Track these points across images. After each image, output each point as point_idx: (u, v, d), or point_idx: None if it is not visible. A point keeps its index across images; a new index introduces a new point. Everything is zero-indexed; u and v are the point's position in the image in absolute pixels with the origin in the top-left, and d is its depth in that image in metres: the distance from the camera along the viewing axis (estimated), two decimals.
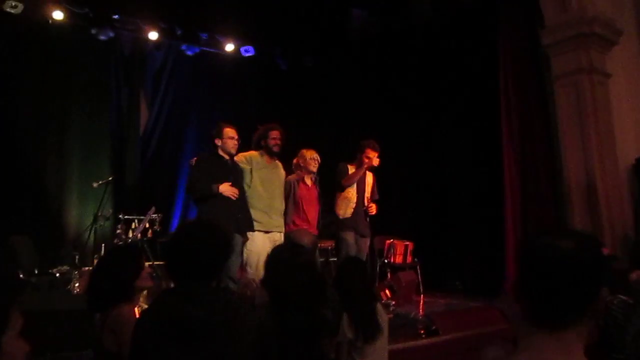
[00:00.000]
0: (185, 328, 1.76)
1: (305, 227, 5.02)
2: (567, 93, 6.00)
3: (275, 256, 2.40)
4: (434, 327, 4.82)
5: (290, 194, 5.08)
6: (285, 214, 4.99)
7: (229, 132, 4.74)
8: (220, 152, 4.73)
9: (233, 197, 4.51)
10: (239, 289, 4.54)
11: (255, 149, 5.02)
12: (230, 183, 4.55)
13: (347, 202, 5.24)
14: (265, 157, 4.97)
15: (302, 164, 5.24)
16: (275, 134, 4.98)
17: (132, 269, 2.46)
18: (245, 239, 4.64)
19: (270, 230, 4.76)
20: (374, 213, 5.37)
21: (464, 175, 7.28)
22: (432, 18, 7.39)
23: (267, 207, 4.81)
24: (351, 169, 5.36)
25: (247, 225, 4.68)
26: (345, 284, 2.95)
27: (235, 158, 4.81)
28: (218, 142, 4.72)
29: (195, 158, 4.85)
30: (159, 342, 1.76)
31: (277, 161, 5.09)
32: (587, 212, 5.80)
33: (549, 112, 6.29)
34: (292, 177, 5.20)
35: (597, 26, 5.86)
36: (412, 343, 4.44)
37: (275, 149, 4.95)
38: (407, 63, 7.88)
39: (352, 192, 5.29)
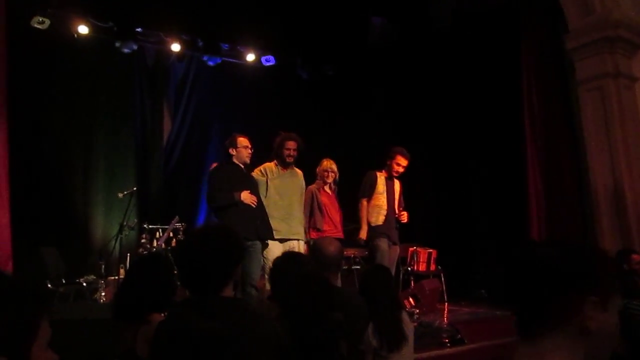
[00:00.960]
0: (198, 341, 1.73)
1: (333, 231, 5.17)
2: (593, 97, 5.91)
3: (278, 269, 2.38)
4: (459, 336, 4.76)
5: (313, 202, 5.14)
6: (309, 221, 5.08)
7: (243, 141, 4.85)
8: (235, 161, 4.81)
9: (253, 205, 4.58)
10: (259, 296, 4.60)
11: (273, 159, 5.08)
12: (249, 191, 4.61)
13: (379, 210, 5.30)
14: (280, 167, 5.02)
15: (318, 173, 5.41)
16: (290, 144, 5.04)
17: (167, 279, 2.46)
18: (265, 245, 4.69)
19: (288, 239, 4.80)
20: (405, 221, 5.41)
21: (487, 181, 7.21)
22: (453, 24, 7.36)
23: (286, 215, 4.87)
24: (380, 177, 5.36)
25: (267, 231, 4.74)
26: (370, 292, 2.93)
27: (253, 173, 4.89)
28: (232, 152, 4.83)
29: (214, 164, 4.93)
30: (173, 355, 1.75)
31: (294, 170, 5.15)
32: (614, 217, 5.69)
33: (573, 116, 6.21)
34: (312, 186, 5.34)
35: (623, 30, 5.78)
36: (436, 352, 4.39)
37: (289, 159, 5.01)
38: (427, 70, 7.86)
39: (382, 200, 5.34)
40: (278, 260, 2.47)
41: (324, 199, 5.31)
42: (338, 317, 2.31)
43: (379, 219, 5.28)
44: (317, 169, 5.52)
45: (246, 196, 4.58)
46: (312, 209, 5.20)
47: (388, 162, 5.40)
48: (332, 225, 5.27)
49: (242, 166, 4.85)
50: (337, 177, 5.51)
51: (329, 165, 5.47)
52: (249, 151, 4.85)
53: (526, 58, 6.50)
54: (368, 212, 5.32)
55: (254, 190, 4.75)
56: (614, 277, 1.18)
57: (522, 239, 6.30)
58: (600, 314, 1.08)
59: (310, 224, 5.24)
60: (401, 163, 5.32)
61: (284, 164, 5.03)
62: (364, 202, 5.33)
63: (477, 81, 7.23)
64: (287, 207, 4.89)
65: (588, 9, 5.92)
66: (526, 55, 6.51)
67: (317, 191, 5.32)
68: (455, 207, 7.53)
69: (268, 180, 4.95)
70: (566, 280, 1.09)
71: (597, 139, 5.87)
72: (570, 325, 1.08)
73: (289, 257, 2.63)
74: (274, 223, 4.79)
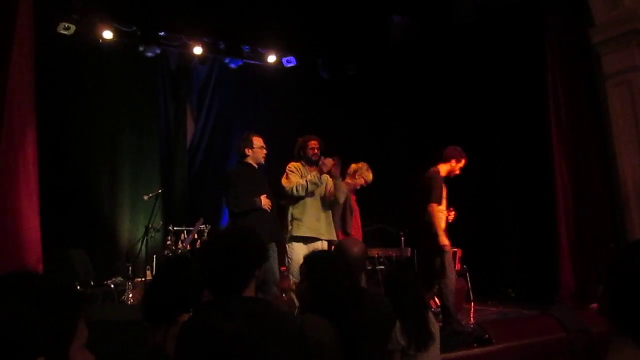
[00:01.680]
0: (221, 341, 1.74)
1: (357, 235, 5.11)
2: (620, 92, 5.79)
3: (315, 266, 2.41)
4: (486, 336, 4.70)
5: (346, 204, 5.17)
6: (340, 221, 5.15)
7: (259, 141, 4.89)
8: (250, 162, 4.82)
9: (269, 209, 4.63)
10: (277, 293, 4.64)
11: (296, 160, 5.06)
12: (265, 195, 4.66)
13: (442, 214, 5.16)
14: (308, 166, 5.01)
15: (359, 176, 5.42)
16: (313, 143, 5.02)
17: (195, 279, 2.48)
18: (277, 246, 4.75)
19: (317, 238, 4.79)
20: (451, 220, 5.30)
21: (513, 179, 7.11)
22: (476, 20, 7.27)
23: (317, 214, 4.85)
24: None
25: (279, 232, 4.81)
26: (397, 291, 2.92)
27: (287, 169, 4.90)
28: (248, 152, 4.85)
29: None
30: (197, 356, 1.76)
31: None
32: None
33: (601, 112, 6.08)
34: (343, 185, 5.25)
35: None
36: (463, 352, 4.33)
37: (314, 157, 4.96)
38: (450, 68, 7.78)
39: (444, 203, 5.23)
40: (316, 255, 2.49)
41: (353, 202, 5.33)
42: (362, 319, 2.32)
43: (443, 224, 5.11)
44: (352, 169, 5.51)
45: (265, 201, 4.64)
46: (344, 211, 5.20)
47: (452, 163, 5.25)
48: (357, 228, 5.30)
49: (256, 166, 4.86)
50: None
51: (366, 171, 5.49)
52: (265, 151, 4.88)
53: (551, 53, 6.39)
54: (434, 216, 5.08)
55: (268, 192, 4.78)
56: None
57: (551, 239, 6.19)
58: None
59: (342, 226, 5.24)
60: (463, 165, 5.21)
61: (310, 163, 4.99)
62: (436, 207, 5.06)
63: (501, 78, 7.13)
64: (318, 206, 4.88)
65: (615, 2, 5.79)
66: (551, 50, 6.40)
67: (349, 193, 5.29)
68: (481, 205, 7.44)
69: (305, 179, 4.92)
70: None
71: (626, 135, 5.75)
72: None
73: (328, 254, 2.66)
74: (306, 221, 4.78)
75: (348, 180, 5.44)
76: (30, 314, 0.88)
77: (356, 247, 2.84)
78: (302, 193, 4.73)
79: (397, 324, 2.81)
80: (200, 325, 1.84)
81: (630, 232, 5.66)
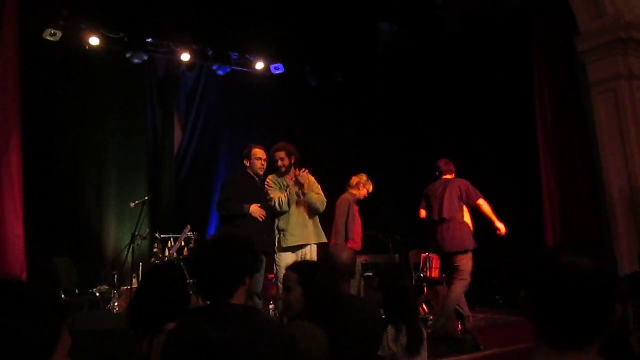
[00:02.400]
0: (208, 349, 1.72)
1: (358, 244, 5.40)
2: (606, 100, 5.86)
3: (309, 269, 2.41)
4: (475, 343, 4.72)
5: (349, 212, 5.39)
6: (344, 231, 5.33)
7: (257, 153, 4.92)
8: (250, 172, 4.86)
9: (261, 219, 4.60)
10: (263, 306, 4.64)
11: (272, 172, 5.11)
12: (260, 205, 4.64)
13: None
14: (284, 177, 5.02)
15: (363, 187, 5.66)
16: (278, 154, 5.00)
17: (180, 288, 2.46)
18: (269, 257, 4.74)
19: (303, 245, 4.80)
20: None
21: (500, 186, 7.14)
22: (463, 29, 7.34)
23: (303, 221, 4.85)
24: None
25: (272, 246, 4.81)
26: (391, 298, 2.92)
27: (268, 181, 4.93)
28: (247, 163, 4.92)
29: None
30: None
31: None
32: (631, 220, 5.62)
33: (587, 119, 6.15)
34: (348, 196, 5.59)
35: (635, 31, 5.73)
36: (452, 359, 4.34)
37: (282, 169, 4.98)
38: (438, 76, 7.84)
39: None
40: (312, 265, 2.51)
41: (356, 212, 5.51)
42: (343, 326, 2.31)
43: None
44: (354, 182, 5.69)
45: (255, 209, 4.63)
46: (348, 219, 5.34)
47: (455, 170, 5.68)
48: (359, 235, 5.47)
49: (257, 178, 4.87)
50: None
51: (368, 182, 5.74)
52: (263, 162, 4.89)
53: (537, 62, 6.46)
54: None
55: (265, 203, 4.76)
56: None
57: (539, 244, 6.22)
58: None
59: (345, 234, 5.37)
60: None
61: (280, 175, 5.02)
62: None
63: (488, 86, 7.19)
64: (303, 213, 4.88)
65: (599, 11, 5.88)
66: (537, 58, 6.47)
67: (353, 203, 5.51)
68: (469, 212, 7.46)
69: (281, 190, 4.96)
70: (608, 291, 1.14)
71: (611, 142, 5.81)
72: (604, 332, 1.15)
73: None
74: (293, 230, 4.79)
75: (352, 191, 5.65)
76: (13, 323, 0.87)
77: (345, 254, 2.86)
78: (285, 208, 4.78)
79: (390, 330, 2.81)
80: (188, 332, 1.82)
81: (616, 238, 5.72)
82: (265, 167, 4.91)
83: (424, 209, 5.75)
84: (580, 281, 1.13)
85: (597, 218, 5.97)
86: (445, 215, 5.32)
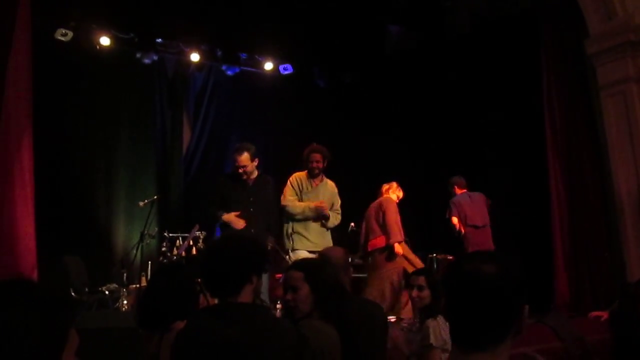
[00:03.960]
0: (219, 349, 1.75)
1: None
2: (615, 103, 5.83)
3: (315, 268, 2.44)
4: None
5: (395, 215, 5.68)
6: (399, 227, 5.61)
7: (234, 157, 4.92)
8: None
9: (237, 227, 4.64)
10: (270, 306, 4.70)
11: (302, 170, 5.26)
12: (238, 212, 4.69)
13: None
14: (312, 179, 5.18)
15: (392, 193, 6.01)
16: (315, 156, 5.10)
17: (189, 287, 2.49)
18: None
19: (317, 252, 4.80)
20: None
21: (508, 189, 7.14)
22: (471, 31, 7.33)
23: (321, 232, 4.95)
24: None
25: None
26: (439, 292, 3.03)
27: (289, 181, 4.97)
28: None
29: None
30: None
31: (325, 181, 5.27)
32: (639, 224, 5.59)
33: (596, 121, 6.12)
34: (394, 198, 5.93)
35: None
36: None
37: (316, 171, 5.11)
38: (446, 77, 7.83)
39: None
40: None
41: None
42: (350, 320, 2.34)
43: None
44: (385, 188, 6.06)
45: (230, 219, 4.66)
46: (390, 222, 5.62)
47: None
48: None
49: (246, 179, 4.87)
50: None
51: (397, 188, 6.10)
52: (238, 169, 4.85)
53: (546, 64, 6.44)
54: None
55: (253, 204, 4.75)
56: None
57: (547, 248, 6.21)
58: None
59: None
60: None
61: (312, 175, 5.15)
62: None
63: (496, 88, 7.17)
64: (319, 225, 5.02)
65: (609, 14, 5.85)
66: (546, 61, 6.45)
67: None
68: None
69: (302, 194, 5.03)
70: (509, 296, 1.23)
71: (620, 145, 5.78)
72: (513, 330, 1.23)
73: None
74: (310, 236, 4.85)
75: (391, 194, 5.99)
76: (24, 321, 0.90)
77: (339, 254, 2.96)
78: (294, 215, 4.81)
79: (440, 320, 2.89)
80: (198, 331, 1.84)
81: (625, 242, 5.69)
82: (245, 173, 4.83)
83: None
84: (482, 285, 1.21)
85: (605, 222, 5.94)
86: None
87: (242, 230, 4.56)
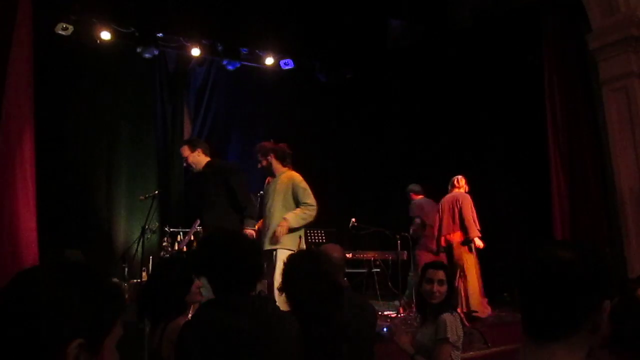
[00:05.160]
0: (229, 340, 1.76)
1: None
2: (617, 98, 5.82)
3: (294, 265, 2.44)
4: (483, 340, 4.72)
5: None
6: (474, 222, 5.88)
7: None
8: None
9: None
10: None
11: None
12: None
13: None
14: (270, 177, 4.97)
15: (464, 186, 6.23)
16: (257, 157, 4.95)
17: (186, 281, 2.50)
18: None
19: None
20: None
21: (509, 183, 7.13)
22: (473, 25, 7.31)
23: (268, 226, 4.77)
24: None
25: None
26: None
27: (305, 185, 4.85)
28: None
29: None
30: (203, 355, 1.77)
31: (276, 177, 4.86)
32: None
33: (597, 116, 6.12)
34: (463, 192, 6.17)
35: None
36: (461, 355, 4.35)
37: (262, 170, 4.96)
38: (448, 70, 7.81)
39: None
40: (296, 257, 2.53)
41: None
42: (345, 318, 2.36)
43: None
44: (455, 181, 6.20)
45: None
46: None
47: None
48: None
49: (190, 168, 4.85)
50: None
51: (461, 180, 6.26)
52: (183, 163, 4.87)
53: (548, 58, 6.43)
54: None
55: (206, 192, 4.69)
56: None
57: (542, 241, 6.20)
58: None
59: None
60: None
61: (269, 175, 4.96)
62: None
63: (498, 82, 7.15)
64: (269, 217, 4.73)
65: (612, 8, 5.83)
66: (548, 55, 6.44)
67: None
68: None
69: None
70: (585, 284, 1.12)
71: (622, 140, 5.78)
72: (584, 326, 1.11)
73: (307, 255, 2.72)
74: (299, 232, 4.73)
75: (460, 189, 6.17)
76: (75, 298, 0.94)
77: (336, 252, 2.97)
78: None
79: (455, 317, 2.94)
80: (205, 322, 1.85)
81: (626, 237, 5.70)
82: (188, 165, 4.79)
83: None
84: (558, 271, 1.13)
85: (607, 217, 5.95)
86: None
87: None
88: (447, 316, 2.90)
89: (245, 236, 2.08)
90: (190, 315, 2.60)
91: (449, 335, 2.83)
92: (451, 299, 3.05)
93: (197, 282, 2.50)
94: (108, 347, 1.00)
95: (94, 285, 1.00)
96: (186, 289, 2.47)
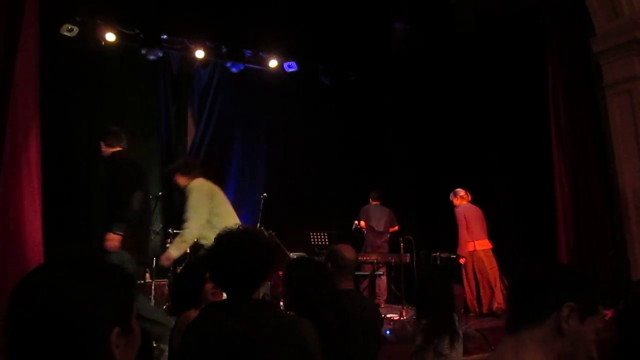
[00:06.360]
0: (228, 343, 1.76)
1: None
2: (621, 101, 5.83)
3: (292, 272, 2.47)
4: (486, 342, 4.72)
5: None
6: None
7: None
8: None
9: None
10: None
11: None
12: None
13: None
14: None
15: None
16: None
17: (200, 279, 2.53)
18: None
19: None
20: None
21: (513, 188, 7.13)
22: (477, 29, 7.31)
23: None
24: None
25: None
26: (431, 292, 3.02)
27: None
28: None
29: None
30: (203, 357, 1.78)
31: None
32: None
33: (601, 120, 6.12)
34: None
35: None
36: (464, 358, 4.34)
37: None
38: (452, 74, 7.82)
39: None
40: (295, 263, 2.59)
41: None
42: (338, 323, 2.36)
43: None
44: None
45: None
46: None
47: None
48: None
49: None
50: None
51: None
52: None
53: (552, 61, 6.43)
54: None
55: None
56: (595, 299, 1.39)
57: (551, 246, 6.21)
58: (576, 321, 1.31)
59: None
60: None
61: None
62: None
63: (502, 86, 7.17)
64: None
65: (616, 12, 5.84)
66: (552, 58, 6.44)
67: None
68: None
69: None
70: (544, 286, 1.37)
71: (625, 144, 5.78)
72: (547, 323, 1.32)
73: (306, 261, 2.76)
74: None
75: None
76: (100, 288, 0.98)
77: (348, 253, 2.95)
78: None
79: (427, 323, 2.92)
80: (208, 325, 1.85)
81: (630, 241, 5.69)
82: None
83: None
84: (520, 277, 1.47)
85: (610, 220, 5.94)
86: None
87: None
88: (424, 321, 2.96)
89: (253, 237, 2.07)
90: None
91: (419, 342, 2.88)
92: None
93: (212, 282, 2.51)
94: (134, 323, 1.04)
95: (109, 273, 1.03)
96: (198, 285, 2.51)
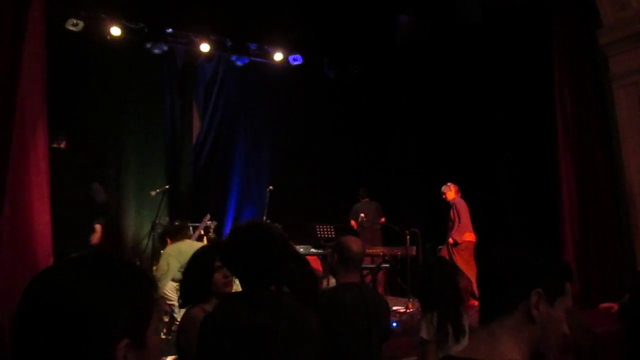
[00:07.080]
0: (248, 335, 1.77)
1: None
2: (628, 93, 5.79)
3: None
4: None
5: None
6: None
7: None
8: None
9: None
10: None
11: None
12: None
13: None
14: None
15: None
16: None
17: (209, 269, 2.53)
18: None
19: None
20: None
21: (519, 182, 7.12)
22: (482, 20, 7.27)
23: None
24: None
25: None
26: (436, 284, 3.00)
27: None
28: None
29: None
30: (223, 348, 1.77)
31: None
32: None
33: (607, 112, 6.09)
34: None
35: None
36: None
37: None
38: (457, 66, 7.79)
39: None
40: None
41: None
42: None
43: None
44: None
45: None
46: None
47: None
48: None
49: None
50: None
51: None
52: None
53: (558, 54, 6.39)
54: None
55: None
56: (561, 279, 1.39)
57: (557, 240, 6.20)
58: (546, 306, 1.31)
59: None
60: None
61: None
62: None
63: (507, 78, 7.13)
64: None
65: (623, 4, 5.79)
66: (558, 51, 6.39)
67: None
68: (486, 208, 7.45)
69: None
70: (514, 278, 1.35)
71: (632, 137, 5.75)
72: (518, 312, 1.32)
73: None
74: None
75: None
76: (116, 297, 0.90)
77: (355, 246, 2.93)
78: None
79: (435, 316, 2.90)
80: (226, 317, 1.86)
81: (636, 234, 5.68)
82: None
83: None
84: (487, 268, 1.45)
85: (616, 214, 5.92)
86: None
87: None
88: (426, 315, 2.96)
89: (270, 229, 2.07)
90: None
91: (423, 336, 2.88)
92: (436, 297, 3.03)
93: (222, 272, 2.49)
94: (151, 335, 0.96)
95: (129, 276, 0.96)
96: (206, 277, 2.49)
